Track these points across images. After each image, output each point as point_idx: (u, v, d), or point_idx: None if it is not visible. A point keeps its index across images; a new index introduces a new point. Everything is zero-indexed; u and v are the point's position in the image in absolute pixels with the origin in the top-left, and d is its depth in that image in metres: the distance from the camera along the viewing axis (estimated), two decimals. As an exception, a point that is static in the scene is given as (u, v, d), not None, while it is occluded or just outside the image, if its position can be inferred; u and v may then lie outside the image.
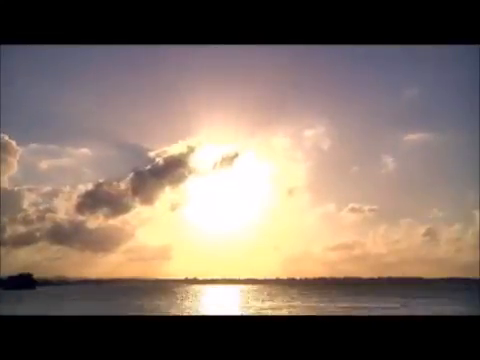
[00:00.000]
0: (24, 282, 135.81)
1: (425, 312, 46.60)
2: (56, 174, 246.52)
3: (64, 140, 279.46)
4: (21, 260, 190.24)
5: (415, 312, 46.92)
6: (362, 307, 56.03)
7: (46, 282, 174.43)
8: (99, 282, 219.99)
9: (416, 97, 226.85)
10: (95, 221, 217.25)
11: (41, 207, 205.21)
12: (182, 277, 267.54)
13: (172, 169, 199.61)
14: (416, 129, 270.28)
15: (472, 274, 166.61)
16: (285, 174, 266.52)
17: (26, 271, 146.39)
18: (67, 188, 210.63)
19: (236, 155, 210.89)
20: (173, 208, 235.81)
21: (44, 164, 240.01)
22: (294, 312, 50.01)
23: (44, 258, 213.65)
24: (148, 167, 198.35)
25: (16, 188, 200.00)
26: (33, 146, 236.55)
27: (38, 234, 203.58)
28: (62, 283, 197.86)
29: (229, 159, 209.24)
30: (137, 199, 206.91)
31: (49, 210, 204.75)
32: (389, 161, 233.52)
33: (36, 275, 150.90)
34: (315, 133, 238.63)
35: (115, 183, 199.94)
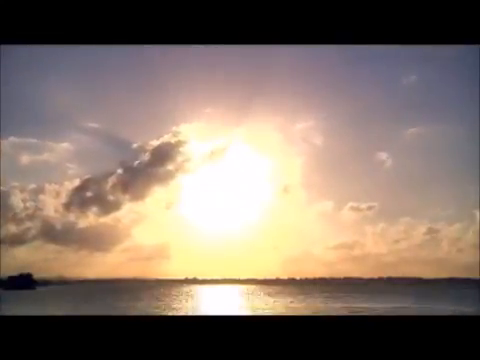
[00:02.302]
0: (24, 282, 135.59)
1: (425, 312, 46.59)
2: (38, 170, 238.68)
3: (43, 134, 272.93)
4: (19, 260, 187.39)
5: (415, 312, 46.93)
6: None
7: (46, 282, 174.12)
8: (99, 282, 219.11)
9: (414, 90, 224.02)
10: (86, 219, 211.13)
11: (29, 204, 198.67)
12: (182, 277, 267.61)
13: (161, 164, 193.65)
14: (415, 124, 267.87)
15: (473, 274, 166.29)
16: (279, 170, 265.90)
17: (23, 271, 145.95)
18: (53, 185, 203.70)
19: (226, 149, 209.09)
20: (168, 206, 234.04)
21: (25, 159, 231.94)
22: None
23: (41, 258, 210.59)
24: (136, 162, 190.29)
25: (4, 187, 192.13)
26: (12, 139, 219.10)
27: (31, 233, 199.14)
28: (62, 283, 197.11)
29: (219, 153, 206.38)
30: (127, 196, 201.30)
31: (38, 208, 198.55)
32: (386, 157, 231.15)
33: (35, 275, 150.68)
34: (309, 127, 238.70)
35: (103, 179, 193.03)
